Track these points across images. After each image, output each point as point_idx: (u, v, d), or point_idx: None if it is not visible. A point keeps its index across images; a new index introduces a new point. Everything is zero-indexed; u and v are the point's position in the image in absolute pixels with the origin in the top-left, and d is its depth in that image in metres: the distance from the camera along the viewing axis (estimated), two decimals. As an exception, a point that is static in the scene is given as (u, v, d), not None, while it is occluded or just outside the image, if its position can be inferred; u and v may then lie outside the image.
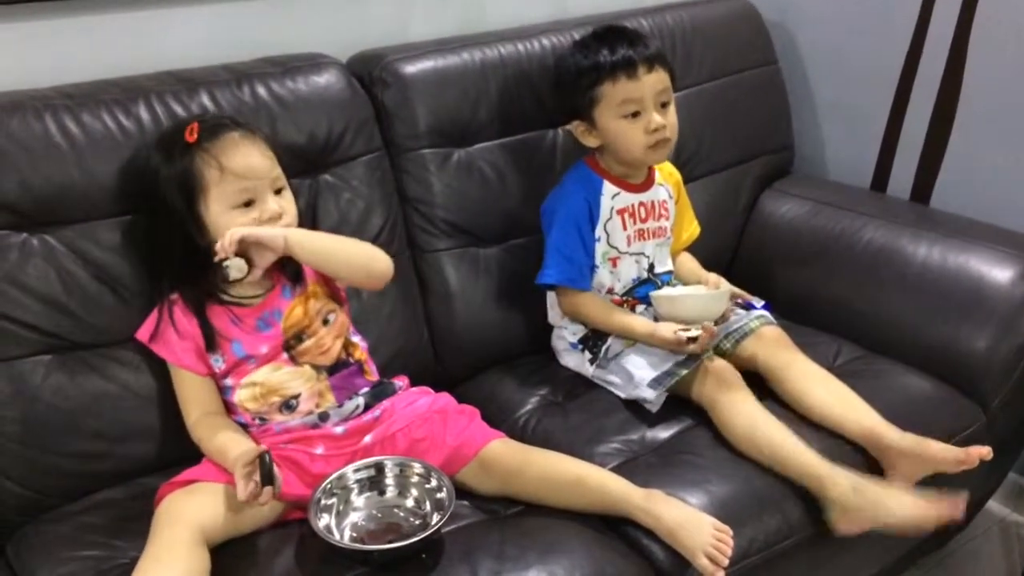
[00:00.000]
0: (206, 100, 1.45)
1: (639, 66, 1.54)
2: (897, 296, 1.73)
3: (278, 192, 1.33)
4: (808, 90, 2.14)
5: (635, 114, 1.56)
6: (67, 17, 1.46)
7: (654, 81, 1.56)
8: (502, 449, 1.34)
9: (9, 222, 1.30)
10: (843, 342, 1.73)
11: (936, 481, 1.38)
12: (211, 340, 1.32)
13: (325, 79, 1.56)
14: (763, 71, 2.05)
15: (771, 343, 1.56)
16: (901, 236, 1.79)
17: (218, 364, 1.33)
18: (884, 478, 1.40)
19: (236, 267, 1.27)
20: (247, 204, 1.30)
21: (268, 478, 1.16)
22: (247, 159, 1.30)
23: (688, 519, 1.26)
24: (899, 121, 2.00)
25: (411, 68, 1.64)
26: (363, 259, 1.40)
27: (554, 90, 1.69)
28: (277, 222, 1.31)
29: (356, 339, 1.45)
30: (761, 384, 1.53)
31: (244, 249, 1.27)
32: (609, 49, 1.56)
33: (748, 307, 1.74)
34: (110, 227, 1.36)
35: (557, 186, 1.66)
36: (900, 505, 1.32)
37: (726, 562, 1.22)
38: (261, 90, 1.49)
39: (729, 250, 2.01)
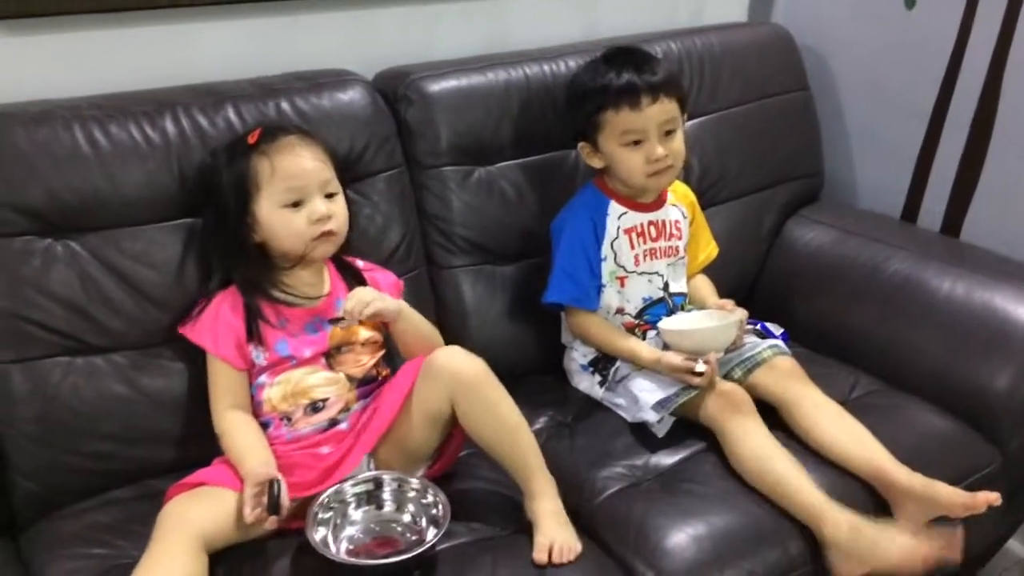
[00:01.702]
0: (231, 114, 1.48)
1: (642, 96, 1.52)
2: (919, 330, 1.71)
3: (330, 197, 1.38)
4: (840, 116, 2.12)
5: (637, 142, 1.55)
6: (101, 30, 1.51)
7: (657, 112, 1.54)
8: (447, 355, 1.34)
9: (34, 228, 1.34)
10: (861, 374, 1.71)
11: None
12: (255, 334, 1.36)
13: (349, 95, 1.59)
14: (794, 96, 2.04)
15: (783, 374, 1.55)
16: (927, 269, 1.76)
17: (259, 360, 1.37)
18: (891, 517, 1.38)
19: (348, 324, 1.38)
20: (296, 204, 1.35)
21: (275, 508, 1.19)
22: (298, 160, 1.36)
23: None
24: (932, 151, 1.97)
25: (435, 86, 1.67)
26: (432, 337, 1.48)
27: (564, 110, 1.69)
28: (326, 223, 1.36)
29: (384, 363, 1.48)
30: (770, 413, 1.52)
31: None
32: (616, 73, 1.55)
33: (765, 334, 1.73)
34: (134, 236, 1.41)
35: (566, 206, 1.67)
36: (898, 547, 1.30)
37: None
38: (285, 105, 1.53)
39: (750, 276, 1.99)
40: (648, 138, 1.54)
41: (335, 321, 1.39)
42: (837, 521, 1.31)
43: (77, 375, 1.36)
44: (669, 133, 1.57)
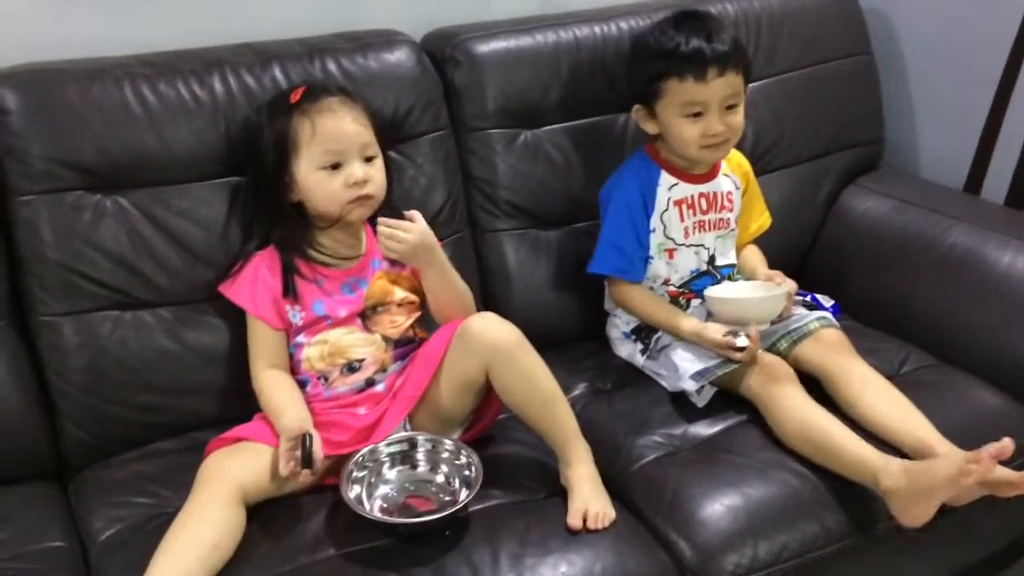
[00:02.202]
0: (278, 73, 1.49)
1: (709, 68, 1.48)
2: (974, 305, 1.65)
3: (369, 160, 1.38)
4: (904, 82, 2.04)
5: (697, 114, 1.52)
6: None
7: (721, 86, 1.50)
8: (482, 322, 1.32)
9: (85, 183, 1.37)
10: (912, 349, 1.66)
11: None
12: (292, 292, 1.38)
13: (396, 56, 1.58)
14: (855, 60, 1.96)
15: (830, 347, 1.51)
16: (987, 241, 1.70)
17: (296, 319, 1.39)
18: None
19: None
20: (334, 167, 1.35)
21: (307, 461, 1.21)
22: (338, 123, 1.36)
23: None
24: (999, 120, 1.89)
25: (483, 47, 1.65)
26: (465, 297, 1.46)
27: (626, 68, 1.66)
28: (362, 187, 1.36)
29: (423, 330, 1.49)
30: (815, 388, 1.48)
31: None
32: (685, 39, 1.50)
33: (815, 305, 1.69)
34: (181, 193, 1.43)
35: (615, 173, 1.64)
36: (952, 468, 1.23)
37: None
38: (332, 65, 1.53)
39: (804, 246, 1.94)
40: (709, 111, 1.50)
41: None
42: (891, 470, 1.28)
43: (125, 328, 1.40)
44: (731, 107, 1.53)
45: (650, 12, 1.75)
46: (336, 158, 1.36)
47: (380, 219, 1.36)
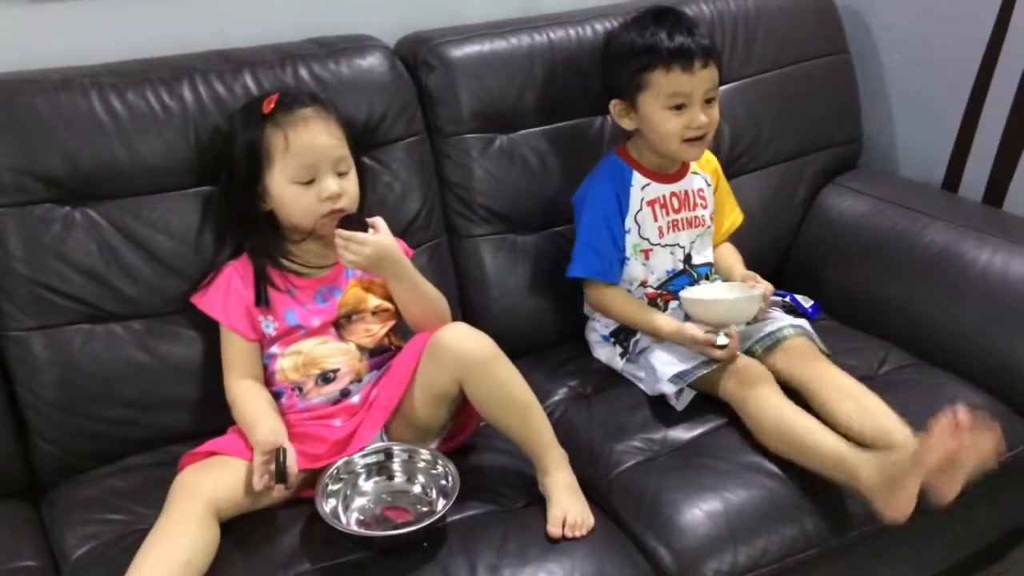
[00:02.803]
0: (249, 81, 1.48)
1: (696, 59, 1.49)
2: (953, 303, 1.65)
3: (342, 175, 1.37)
4: (881, 80, 2.04)
5: (679, 106, 1.51)
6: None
7: (706, 77, 1.51)
8: (453, 334, 1.30)
9: (53, 196, 1.35)
10: (892, 348, 1.66)
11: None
12: (265, 301, 1.36)
13: (368, 62, 1.57)
14: (832, 60, 1.96)
15: (797, 356, 1.50)
16: (965, 239, 1.70)
17: (269, 330, 1.37)
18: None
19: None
20: (308, 182, 1.34)
21: (281, 476, 1.20)
22: (312, 137, 1.34)
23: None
24: (975, 117, 1.89)
25: (457, 52, 1.64)
26: (437, 304, 1.42)
27: (601, 65, 1.65)
28: (336, 201, 1.35)
29: (399, 339, 1.47)
30: (790, 394, 1.47)
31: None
32: (667, 34, 1.51)
33: (794, 306, 1.69)
34: (150, 203, 1.41)
35: (588, 177, 1.63)
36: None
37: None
38: (304, 71, 1.51)
39: (783, 246, 1.94)
40: (692, 103, 1.51)
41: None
42: (868, 464, 1.27)
43: (96, 342, 1.38)
44: (710, 101, 1.53)
45: (624, 14, 1.74)
46: (310, 173, 1.34)
47: (337, 230, 1.32)
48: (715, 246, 1.71)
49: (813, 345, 1.53)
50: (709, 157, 1.71)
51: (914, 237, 1.75)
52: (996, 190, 1.87)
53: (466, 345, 1.29)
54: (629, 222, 1.59)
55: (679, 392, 1.47)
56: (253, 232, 1.39)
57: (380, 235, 1.33)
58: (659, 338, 1.54)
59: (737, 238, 1.77)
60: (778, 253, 1.93)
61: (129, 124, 1.39)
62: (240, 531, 1.23)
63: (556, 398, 1.58)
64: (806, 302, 1.73)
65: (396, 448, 1.31)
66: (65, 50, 1.46)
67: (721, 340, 1.44)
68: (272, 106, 1.36)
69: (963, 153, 1.93)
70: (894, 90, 2.04)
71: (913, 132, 2.03)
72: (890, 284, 1.75)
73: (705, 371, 1.44)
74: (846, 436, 1.37)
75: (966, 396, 1.53)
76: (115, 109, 1.38)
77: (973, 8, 1.82)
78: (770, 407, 1.38)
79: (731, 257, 1.71)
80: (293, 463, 1.23)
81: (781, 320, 1.57)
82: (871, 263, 1.80)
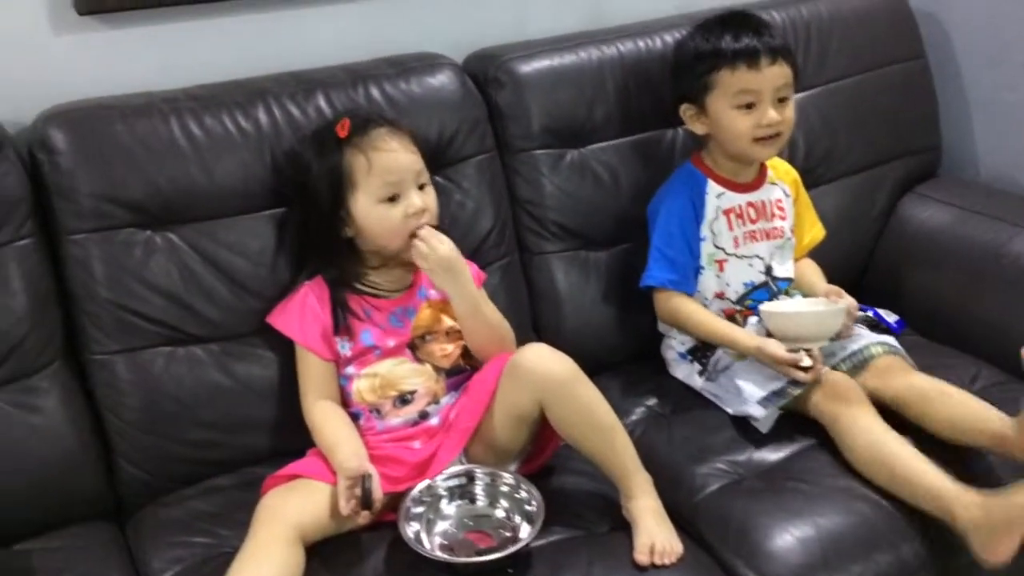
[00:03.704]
0: (322, 102, 1.48)
1: (762, 56, 1.47)
2: (1048, 318, 1.59)
3: (421, 187, 1.37)
4: (960, 86, 1.98)
5: (749, 105, 1.49)
6: (194, 21, 1.52)
7: (775, 74, 1.48)
8: (534, 355, 1.28)
9: (135, 220, 1.37)
10: (983, 365, 1.60)
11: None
12: (342, 325, 1.36)
13: (439, 80, 1.56)
14: (908, 66, 1.91)
15: (887, 373, 1.45)
16: (1056, 250, 1.63)
17: (344, 350, 1.37)
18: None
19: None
20: (392, 199, 1.34)
21: (367, 502, 1.19)
22: (394, 155, 1.34)
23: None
24: (1062, 122, 1.82)
25: (526, 67, 1.62)
26: (503, 332, 1.40)
27: (671, 72, 1.63)
28: (421, 217, 1.35)
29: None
30: (884, 413, 1.42)
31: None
32: (733, 36, 1.49)
33: (878, 322, 1.64)
34: (228, 226, 1.42)
35: (662, 186, 1.61)
36: None
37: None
38: (375, 92, 1.51)
39: (861, 259, 1.89)
40: (762, 101, 1.48)
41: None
42: (967, 502, 1.22)
43: (178, 364, 1.39)
44: (782, 100, 1.50)
45: (692, 22, 1.70)
46: (395, 190, 1.34)
47: (418, 231, 1.33)
48: (796, 260, 1.66)
49: (903, 361, 1.48)
50: (789, 168, 1.67)
51: (1001, 248, 1.69)
52: (1087, 197, 1.80)
53: (548, 366, 1.27)
54: (704, 230, 1.56)
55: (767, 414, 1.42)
56: (332, 261, 1.39)
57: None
58: (738, 354, 1.50)
59: (814, 251, 1.72)
60: (857, 266, 1.88)
61: (207, 148, 1.40)
62: (325, 554, 1.22)
63: (633, 418, 1.55)
64: (890, 316, 1.68)
65: (478, 471, 1.29)
66: (143, 76, 1.47)
67: (805, 361, 1.40)
68: (347, 130, 1.35)
69: (1049, 159, 1.86)
70: (973, 96, 1.97)
71: (994, 139, 1.96)
72: (978, 297, 1.69)
73: (796, 392, 1.40)
74: (945, 437, 1.32)
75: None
76: (193, 133, 1.40)
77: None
78: (864, 429, 1.34)
79: (812, 272, 1.67)
80: (378, 488, 1.22)
81: (867, 337, 1.52)
82: (956, 275, 1.74)
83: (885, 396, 1.42)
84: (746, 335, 1.49)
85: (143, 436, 1.37)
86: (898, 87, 1.90)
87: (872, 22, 1.88)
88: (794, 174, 1.69)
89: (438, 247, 1.32)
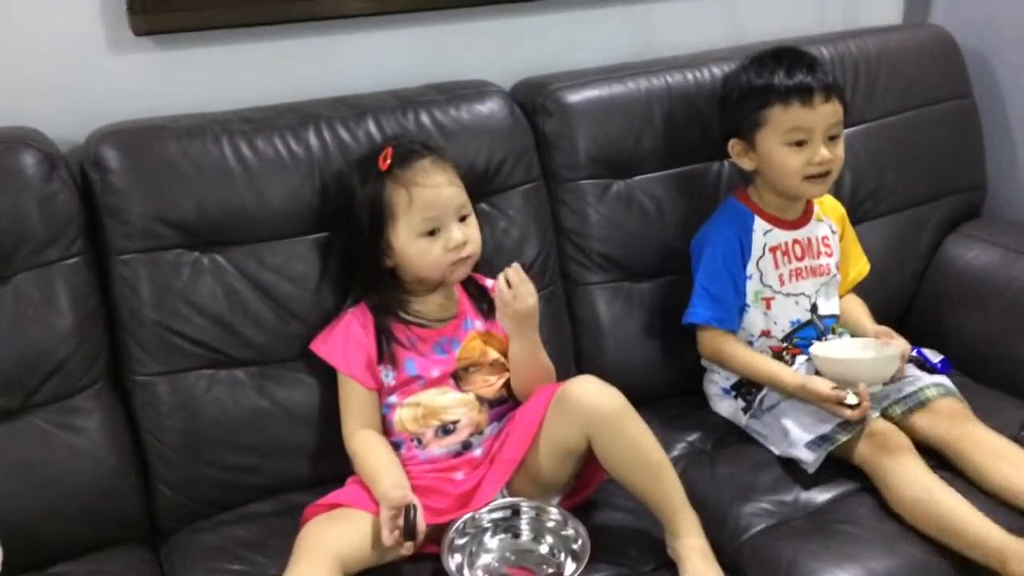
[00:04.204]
0: (372, 127, 1.47)
1: (816, 94, 1.46)
2: (1098, 361, 1.56)
3: (463, 219, 1.36)
4: (1006, 124, 1.96)
5: (800, 143, 1.47)
6: (248, 44, 1.53)
7: (828, 112, 1.47)
8: (582, 388, 1.27)
9: (184, 241, 1.36)
10: (1031, 409, 1.57)
11: None
12: (386, 354, 1.35)
13: (488, 107, 1.56)
14: (955, 104, 1.89)
15: (947, 418, 1.42)
16: (1104, 294, 1.60)
17: (388, 379, 1.36)
18: None
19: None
20: (432, 232, 1.33)
21: (410, 533, 1.17)
22: (436, 189, 1.33)
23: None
24: (1112, 164, 1.79)
25: (574, 97, 1.62)
26: (546, 378, 1.39)
27: (719, 106, 1.62)
28: (463, 249, 1.34)
29: None
30: (933, 454, 1.40)
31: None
32: (786, 72, 1.48)
33: (923, 361, 1.61)
34: (275, 249, 1.41)
35: (707, 221, 1.59)
36: None
37: None
38: (425, 118, 1.51)
39: (906, 297, 1.86)
40: (813, 139, 1.47)
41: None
42: (1019, 554, 1.19)
43: (219, 387, 1.38)
44: (833, 138, 1.49)
45: (742, 56, 1.70)
46: (435, 224, 1.33)
47: (509, 270, 1.29)
48: (840, 296, 1.64)
49: (963, 405, 1.45)
50: (836, 204, 1.66)
51: (1049, 290, 1.66)
52: None
53: (596, 399, 1.25)
54: (751, 268, 1.54)
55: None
56: (376, 289, 1.38)
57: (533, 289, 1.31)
58: (786, 393, 1.47)
59: (859, 288, 1.70)
60: (901, 304, 1.85)
61: (258, 170, 1.39)
62: (367, 587, 1.20)
63: (675, 453, 1.52)
64: (935, 356, 1.65)
65: (524, 505, 1.27)
66: (196, 97, 1.48)
67: (851, 399, 1.37)
68: (389, 161, 1.34)
69: (1097, 201, 1.84)
70: (1020, 136, 1.95)
71: (1040, 179, 1.94)
72: (1024, 339, 1.66)
73: (845, 436, 1.37)
74: (1004, 500, 1.29)
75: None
76: (244, 155, 1.39)
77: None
78: (911, 478, 1.31)
79: (858, 309, 1.64)
80: (422, 520, 1.20)
81: (922, 379, 1.49)
82: (1002, 316, 1.71)
83: (937, 438, 1.40)
84: (790, 373, 1.47)
85: (182, 459, 1.36)
86: (945, 125, 1.88)
87: (920, 60, 1.87)
88: (841, 210, 1.67)
89: (525, 300, 1.29)
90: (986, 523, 1.24)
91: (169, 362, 1.35)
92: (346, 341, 1.36)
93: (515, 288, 1.29)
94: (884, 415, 1.44)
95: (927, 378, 1.50)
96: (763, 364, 1.50)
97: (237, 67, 1.53)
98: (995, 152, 1.96)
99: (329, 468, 1.37)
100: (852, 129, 1.77)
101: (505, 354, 1.41)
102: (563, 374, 1.59)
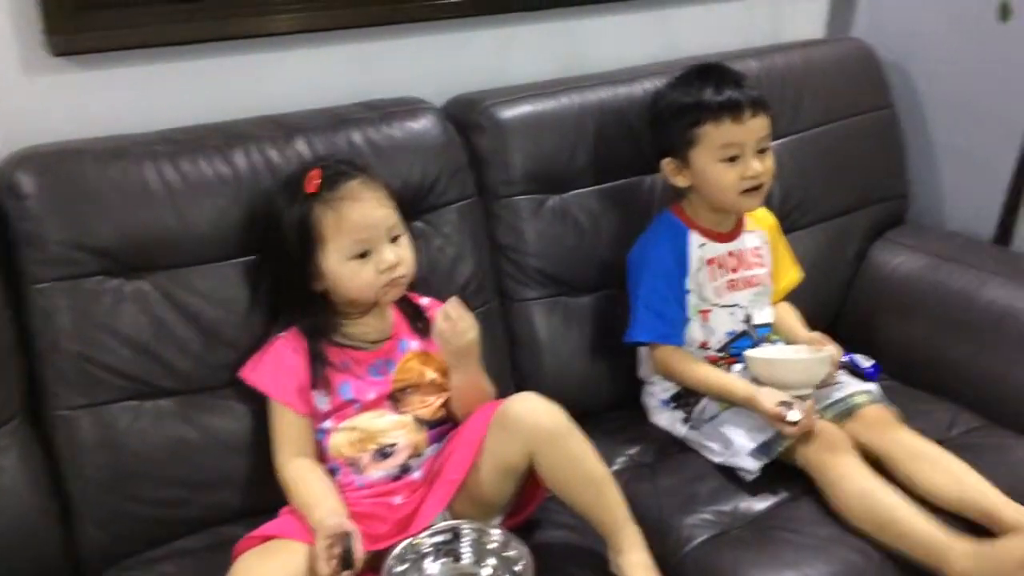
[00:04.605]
0: (303, 146, 1.44)
1: (745, 109, 1.48)
2: (1020, 362, 1.61)
3: (395, 240, 1.33)
4: (926, 134, 2.02)
5: (733, 158, 1.49)
6: (173, 63, 1.48)
7: (757, 126, 1.49)
8: (523, 405, 1.25)
9: (105, 268, 1.31)
10: (959, 410, 1.61)
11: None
12: (319, 378, 1.31)
13: (421, 125, 1.54)
14: (877, 115, 1.95)
15: (874, 425, 1.45)
16: (1028, 296, 1.66)
17: (323, 404, 1.32)
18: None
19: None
20: (363, 255, 1.30)
21: (348, 562, 1.14)
22: (364, 210, 1.30)
23: None
24: (1028, 170, 1.86)
25: (508, 113, 1.61)
26: (485, 400, 1.37)
27: (649, 125, 1.63)
28: (394, 271, 1.31)
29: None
30: (868, 461, 1.42)
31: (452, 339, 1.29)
32: (715, 88, 1.50)
33: (854, 367, 1.64)
34: (202, 273, 1.37)
35: (643, 235, 1.60)
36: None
37: None
38: (357, 136, 1.48)
39: (835, 304, 1.90)
40: (745, 153, 1.49)
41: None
42: (959, 552, 1.21)
43: (145, 419, 1.32)
44: (763, 151, 1.52)
45: (673, 72, 1.71)
46: (365, 246, 1.30)
47: (446, 306, 1.28)
48: (773, 304, 1.66)
49: (890, 413, 1.48)
50: (766, 215, 1.68)
51: (973, 294, 1.71)
52: (1052, 244, 1.84)
53: (538, 416, 1.24)
54: (689, 282, 1.55)
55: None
56: (307, 312, 1.34)
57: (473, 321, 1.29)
58: (726, 403, 1.48)
59: (790, 295, 1.73)
60: (831, 310, 1.89)
61: (183, 193, 1.35)
62: (304, 620, 1.16)
63: (616, 467, 1.52)
64: (865, 362, 1.68)
65: (465, 527, 1.25)
66: (118, 119, 1.43)
67: (792, 416, 1.38)
68: (316, 183, 1.31)
69: (1014, 207, 1.90)
70: (940, 144, 2.01)
71: (961, 186, 2.00)
72: (951, 343, 1.71)
73: (788, 441, 1.38)
74: (934, 504, 1.32)
75: (1043, 461, 1.48)
76: (168, 178, 1.35)
77: (1019, 59, 1.80)
78: (853, 479, 1.33)
79: (790, 317, 1.67)
80: (359, 547, 1.16)
81: (851, 386, 1.52)
82: (930, 321, 1.76)
83: (870, 446, 1.42)
84: (743, 386, 1.47)
85: (107, 495, 1.30)
86: (868, 136, 1.93)
87: (842, 72, 1.92)
88: (772, 220, 1.69)
89: (465, 335, 1.28)
90: (927, 522, 1.27)
91: (91, 394, 1.30)
92: (276, 367, 1.33)
93: (454, 323, 1.27)
94: (818, 420, 1.46)
95: (855, 385, 1.52)
96: (716, 377, 1.51)
97: (161, 87, 1.48)
98: (916, 161, 2.01)
99: (262, 499, 1.32)
100: (779, 141, 1.80)
101: (443, 373, 1.39)
102: (502, 391, 1.57)
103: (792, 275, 1.71)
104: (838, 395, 1.50)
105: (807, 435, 1.39)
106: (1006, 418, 1.58)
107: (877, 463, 1.40)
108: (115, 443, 1.30)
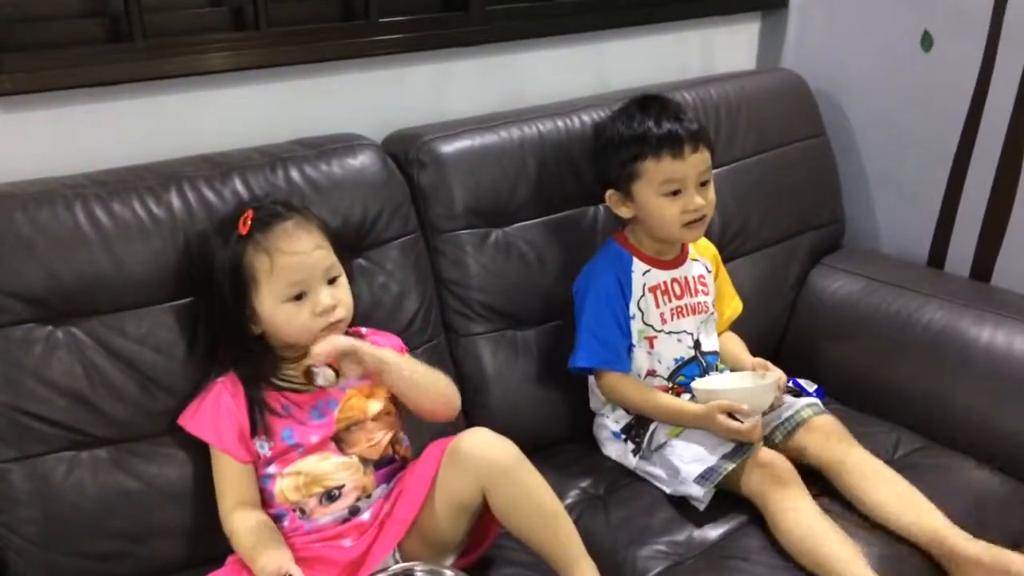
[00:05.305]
0: (239, 185, 1.42)
1: (685, 145, 1.49)
2: (960, 383, 1.64)
3: (332, 281, 1.30)
4: (859, 161, 2.07)
5: (675, 192, 1.50)
6: (101, 103, 1.45)
7: (698, 160, 1.51)
8: (475, 440, 1.24)
9: (35, 315, 1.27)
10: (902, 431, 1.64)
11: None
12: (260, 425, 1.28)
13: (360, 161, 1.53)
14: (811, 143, 1.99)
15: (824, 434, 1.47)
16: (963, 317, 1.70)
17: (264, 450, 1.29)
18: None
19: (324, 376, 1.26)
20: (299, 297, 1.27)
21: None
22: (298, 253, 1.27)
23: None
24: (957, 194, 1.91)
25: (448, 148, 1.61)
26: (444, 389, 1.37)
27: (592, 157, 1.64)
28: (331, 314, 1.28)
29: (404, 440, 1.40)
30: (815, 476, 1.44)
31: (336, 358, 1.26)
32: (655, 122, 1.51)
33: (799, 391, 1.66)
34: (138, 318, 1.33)
35: (588, 264, 1.60)
36: None
37: None
38: (295, 174, 1.46)
39: (778, 330, 1.92)
40: (687, 187, 1.50)
41: (309, 376, 1.28)
42: None
43: (82, 470, 1.27)
44: (704, 184, 1.53)
45: (611, 104, 1.74)
46: (301, 288, 1.27)
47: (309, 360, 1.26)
48: (717, 334, 1.67)
49: (837, 422, 1.50)
50: (708, 244, 1.70)
51: (911, 316, 1.75)
52: (983, 266, 1.89)
53: (490, 452, 1.22)
54: (633, 308, 1.56)
55: (705, 492, 1.41)
56: (244, 357, 1.31)
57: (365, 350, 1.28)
58: (675, 430, 1.48)
59: (734, 322, 1.74)
60: (774, 337, 1.91)
61: (115, 236, 1.31)
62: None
63: (568, 501, 1.51)
64: (810, 386, 1.70)
65: (418, 569, 1.22)
66: (42, 161, 1.39)
67: (747, 421, 1.40)
68: (248, 225, 1.28)
69: (947, 230, 1.95)
70: (872, 170, 2.07)
71: (894, 211, 2.05)
72: (892, 365, 1.74)
73: (731, 465, 1.39)
74: (879, 522, 1.33)
75: (985, 479, 1.53)
76: (100, 221, 1.31)
77: (948, 88, 1.87)
78: (796, 514, 1.34)
79: (735, 345, 1.69)
80: (305, 594, 1.13)
81: (797, 403, 1.54)
82: (869, 344, 1.79)
83: (819, 457, 1.44)
84: (692, 405, 1.48)
85: (42, 552, 1.24)
86: (802, 163, 1.97)
87: (776, 103, 1.96)
88: (713, 249, 1.71)
89: (328, 351, 1.25)
90: (861, 563, 1.27)
91: (23, 447, 1.24)
92: (216, 413, 1.29)
93: (316, 356, 1.25)
94: (767, 443, 1.47)
95: (801, 401, 1.55)
96: (665, 400, 1.52)
97: (90, 128, 1.45)
98: (850, 187, 2.06)
99: (209, 548, 1.28)
100: (717, 171, 1.81)
101: (390, 398, 1.37)
102: (451, 427, 1.56)
103: (735, 306, 1.73)
104: (787, 413, 1.52)
105: (753, 466, 1.39)
106: (947, 438, 1.61)
107: (825, 478, 1.41)
108: (50, 496, 1.25)
